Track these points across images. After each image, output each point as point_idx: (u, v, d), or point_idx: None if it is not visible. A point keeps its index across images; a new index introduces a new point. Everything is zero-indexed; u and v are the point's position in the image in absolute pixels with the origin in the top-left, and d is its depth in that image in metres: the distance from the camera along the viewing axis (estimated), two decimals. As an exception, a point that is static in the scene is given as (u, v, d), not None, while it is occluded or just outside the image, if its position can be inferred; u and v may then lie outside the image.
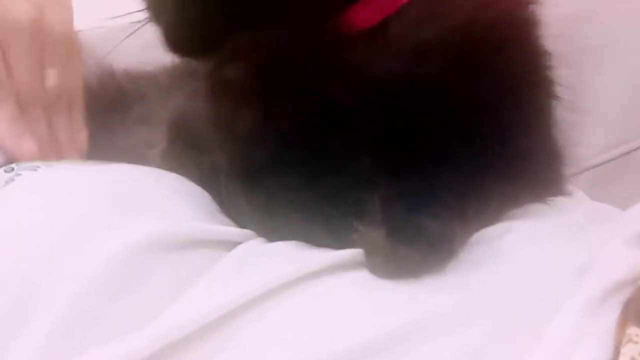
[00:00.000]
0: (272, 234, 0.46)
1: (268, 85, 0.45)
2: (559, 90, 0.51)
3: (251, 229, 0.47)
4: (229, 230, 0.46)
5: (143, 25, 0.52)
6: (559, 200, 0.49)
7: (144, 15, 0.51)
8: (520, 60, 0.47)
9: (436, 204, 0.41)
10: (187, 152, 0.52)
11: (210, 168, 0.49)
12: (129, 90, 0.65)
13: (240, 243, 0.46)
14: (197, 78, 0.54)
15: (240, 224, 0.48)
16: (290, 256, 0.43)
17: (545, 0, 0.71)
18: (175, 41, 0.49)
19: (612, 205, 0.62)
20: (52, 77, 0.58)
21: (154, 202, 0.47)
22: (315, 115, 0.44)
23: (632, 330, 0.33)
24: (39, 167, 0.51)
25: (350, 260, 0.42)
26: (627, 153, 0.69)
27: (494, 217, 0.44)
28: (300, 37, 0.44)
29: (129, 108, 0.63)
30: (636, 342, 0.33)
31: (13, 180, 0.48)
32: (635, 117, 0.69)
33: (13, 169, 0.50)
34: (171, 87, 0.61)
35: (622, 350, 0.33)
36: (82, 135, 0.61)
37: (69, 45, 0.59)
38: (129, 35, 0.57)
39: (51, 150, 0.58)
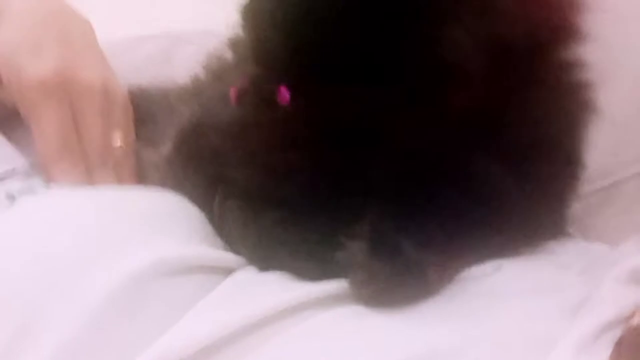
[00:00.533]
0: (263, 263, 0.46)
1: (331, 134, 0.45)
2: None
3: (242, 254, 0.48)
4: (225, 256, 0.47)
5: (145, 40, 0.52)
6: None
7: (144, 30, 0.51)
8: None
9: (420, 233, 0.42)
10: (191, 160, 0.53)
11: (209, 181, 0.50)
12: (141, 108, 0.65)
13: (235, 269, 0.46)
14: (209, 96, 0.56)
15: (232, 247, 0.49)
16: (285, 286, 0.44)
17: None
18: (270, 60, 0.47)
19: (599, 234, 0.64)
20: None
21: (153, 227, 0.47)
22: (344, 170, 0.44)
23: (624, 368, 0.34)
24: (37, 191, 0.51)
25: (344, 293, 0.42)
26: (615, 184, 0.69)
27: (485, 256, 0.45)
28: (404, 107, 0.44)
29: (140, 126, 0.64)
30: (629, 379, 0.34)
31: (13, 202, 0.49)
32: (623, 148, 0.70)
33: (13, 194, 0.50)
34: (179, 105, 0.62)
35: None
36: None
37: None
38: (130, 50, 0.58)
39: None
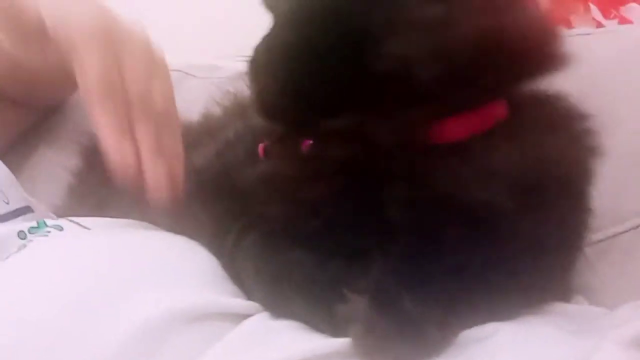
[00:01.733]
0: (275, 309, 0.47)
1: (348, 173, 0.47)
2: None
3: (253, 295, 0.48)
4: (238, 303, 0.48)
5: None
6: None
7: None
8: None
9: (424, 290, 0.42)
10: (210, 195, 0.54)
11: (225, 215, 0.51)
12: None
13: (247, 315, 0.47)
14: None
15: (244, 285, 0.49)
16: (293, 338, 0.44)
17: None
18: (270, 108, 0.50)
19: (593, 287, 0.64)
20: (159, 91, 0.59)
21: (165, 273, 0.48)
22: (363, 213, 0.46)
23: None
24: (49, 232, 0.52)
25: (350, 350, 0.43)
26: (614, 236, 0.70)
27: (489, 317, 0.45)
28: (391, 138, 0.45)
29: None
30: None
31: (26, 246, 0.49)
32: (624, 199, 0.71)
33: (26, 235, 0.51)
34: (198, 143, 0.62)
35: None
36: (180, 149, 0.60)
37: (166, 68, 0.62)
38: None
39: (157, 161, 0.57)
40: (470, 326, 0.44)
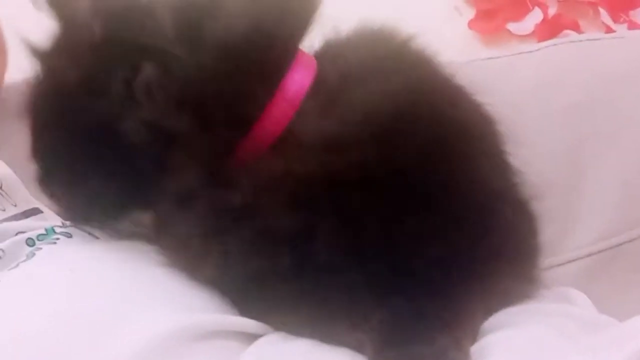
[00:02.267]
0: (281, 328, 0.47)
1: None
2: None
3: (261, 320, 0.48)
4: (245, 322, 0.47)
5: None
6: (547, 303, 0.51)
7: None
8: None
9: (428, 328, 0.43)
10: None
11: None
12: None
13: (254, 335, 0.47)
14: None
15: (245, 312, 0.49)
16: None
17: (540, 94, 0.74)
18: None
19: (604, 293, 0.64)
20: None
21: (173, 291, 0.47)
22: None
23: None
24: (58, 239, 0.52)
25: None
26: (620, 244, 0.70)
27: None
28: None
29: None
30: None
31: (34, 254, 0.49)
32: (629, 208, 0.71)
33: (34, 242, 0.51)
34: None
35: None
36: None
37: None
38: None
39: None
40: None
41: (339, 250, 0.44)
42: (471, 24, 1.16)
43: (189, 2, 0.48)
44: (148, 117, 0.46)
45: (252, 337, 0.47)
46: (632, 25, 1.12)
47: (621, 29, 1.10)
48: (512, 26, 1.15)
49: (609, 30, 1.11)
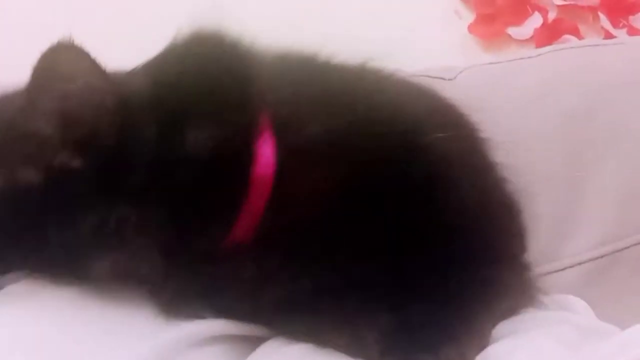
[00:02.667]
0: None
1: None
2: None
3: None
4: (248, 326, 0.47)
5: None
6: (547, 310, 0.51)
7: None
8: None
9: (433, 338, 0.43)
10: None
11: None
12: None
13: (259, 337, 0.47)
14: None
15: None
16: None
17: (539, 100, 0.74)
18: None
19: (601, 299, 0.64)
20: None
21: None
22: None
23: None
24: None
25: None
26: (619, 250, 0.71)
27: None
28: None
29: None
30: None
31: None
32: (627, 215, 0.71)
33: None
34: None
35: None
36: None
37: None
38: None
39: None
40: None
41: (347, 262, 0.44)
42: (471, 28, 1.15)
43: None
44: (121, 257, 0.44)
45: (257, 341, 0.47)
46: (632, 31, 1.12)
47: (621, 34, 1.10)
48: (512, 30, 1.14)
49: (608, 35, 1.11)
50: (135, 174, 0.43)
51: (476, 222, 0.47)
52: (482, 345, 0.46)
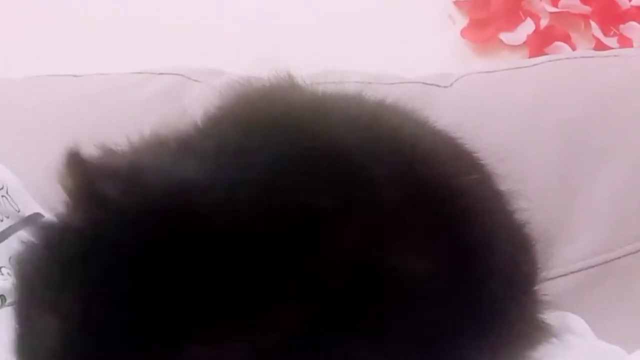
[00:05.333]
0: None
1: None
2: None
3: None
4: None
5: None
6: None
7: None
8: None
9: None
10: None
11: None
12: None
13: None
14: None
15: None
16: None
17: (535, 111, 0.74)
18: None
19: (591, 310, 0.65)
20: None
21: None
22: None
23: None
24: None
25: None
26: (611, 260, 0.72)
27: None
28: None
29: None
30: None
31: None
32: (620, 225, 0.72)
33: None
34: None
35: None
36: None
37: None
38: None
39: None
40: None
41: None
42: (464, 33, 1.16)
43: None
44: None
45: None
46: (622, 39, 1.13)
47: (612, 42, 1.11)
48: (504, 36, 1.15)
49: (599, 43, 1.12)
50: None
51: (510, 265, 0.46)
52: None
